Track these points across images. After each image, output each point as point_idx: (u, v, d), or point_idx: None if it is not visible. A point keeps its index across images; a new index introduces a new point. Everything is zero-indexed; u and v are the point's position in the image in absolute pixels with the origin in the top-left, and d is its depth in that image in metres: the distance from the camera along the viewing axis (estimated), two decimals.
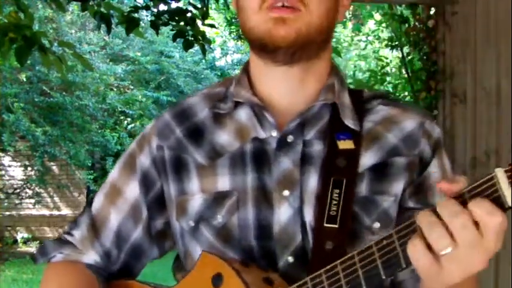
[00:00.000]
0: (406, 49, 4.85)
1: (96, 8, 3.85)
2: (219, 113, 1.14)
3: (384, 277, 0.90)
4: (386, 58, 6.40)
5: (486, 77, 3.93)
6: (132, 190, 1.17)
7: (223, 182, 1.09)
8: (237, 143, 1.11)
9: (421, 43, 4.48)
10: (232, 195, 1.08)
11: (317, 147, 1.09)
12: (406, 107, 1.17)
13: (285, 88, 1.11)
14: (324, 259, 1.00)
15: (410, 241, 0.86)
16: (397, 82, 6.35)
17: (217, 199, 1.09)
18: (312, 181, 1.07)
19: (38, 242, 11.52)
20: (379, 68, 6.08)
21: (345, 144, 1.09)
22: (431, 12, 4.40)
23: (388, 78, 6.43)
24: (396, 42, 5.04)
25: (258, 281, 1.00)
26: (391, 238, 0.90)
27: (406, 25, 4.73)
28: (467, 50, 4.09)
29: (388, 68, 6.56)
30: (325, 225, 1.03)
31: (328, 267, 0.95)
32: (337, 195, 1.05)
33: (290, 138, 1.09)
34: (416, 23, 4.52)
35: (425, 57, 4.45)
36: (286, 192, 1.06)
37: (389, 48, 5.26)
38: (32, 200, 11.32)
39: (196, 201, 1.10)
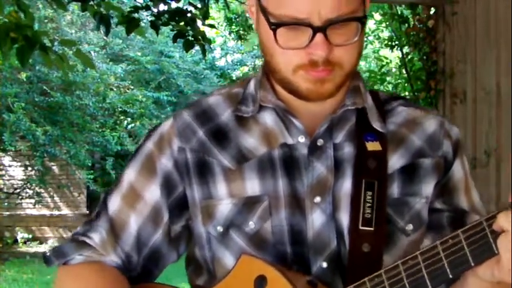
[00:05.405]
0: (406, 49, 4.86)
1: (96, 8, 3.85)
2: (242, 116, 1.12)
3: (450, 276, 0.93)
4: (386, 58, 6.40)
5: (486, 77, 3.93)
6: (152, 193, 1.13)
7: (253, 186, 1.08)
8: (263, 148, 1.09)
9: (421, 43, 4.49)
10: (263, 200, 1.07)
11: (347, 150, 1.09)
12: (424, 108, 1.19)
13: None
14: (361, 262, 1.02)
15: (503, 234, 0.90)
16: (397, 82, 6.36)
17: (247, 204, 1.07)
18: (346, 184, 1.07)
19: (37, 242, 11.52)
20: (379, 67, 6.08)
21: (373, 146, 1.09)
22: (431, 12, 4.41)
23: (388, 78, 6.43)
24: (396, 42, 5.05)
25: (303, 283, 1.00)
26: (458, 237, 0.93)
27: (406, 25, 4.73)
28: (467, 50, 4.09)
29: (388, 68, 6.57)
30: (361, 228, 1.04)
31: (388, 267, 0.97)
32: (370, 197, 1.05)
33: (320, 142, 1.08)
34: (416, 23, 4.53)
35: (425, 57, 4.46)
36: (317, 199, 1.06)
37: (389, 48, 5.26)
38: (32, 200, 11.31)
39: (224, 207, 1.08)
